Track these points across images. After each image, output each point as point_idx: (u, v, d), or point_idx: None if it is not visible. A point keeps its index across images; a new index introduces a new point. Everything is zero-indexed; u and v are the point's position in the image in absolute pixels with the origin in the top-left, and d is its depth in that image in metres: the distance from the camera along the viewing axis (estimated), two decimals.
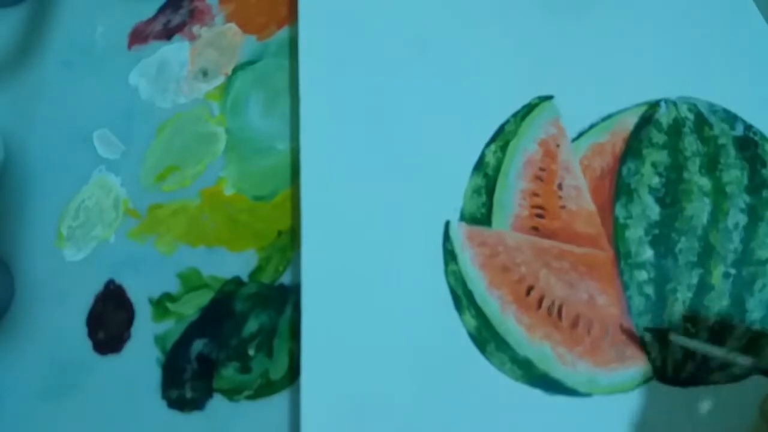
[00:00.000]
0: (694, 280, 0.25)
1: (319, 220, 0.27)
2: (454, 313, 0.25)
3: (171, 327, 0.27)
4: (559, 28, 0.31)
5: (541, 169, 0.28)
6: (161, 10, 0.36)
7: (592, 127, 0.28)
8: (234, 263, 0.28)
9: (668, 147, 0.27)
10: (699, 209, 0.26)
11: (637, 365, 0.23)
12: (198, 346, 0.27)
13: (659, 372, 0.23)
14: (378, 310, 0.25)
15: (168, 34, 0.35)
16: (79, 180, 0.32)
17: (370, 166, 0.28)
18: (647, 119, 0.28)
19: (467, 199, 0.27)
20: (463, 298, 0.25)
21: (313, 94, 0.30)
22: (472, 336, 0.24)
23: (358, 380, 0.24)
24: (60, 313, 0.28)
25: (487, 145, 0.28)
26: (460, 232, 0.26)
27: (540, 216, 0.27)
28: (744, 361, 0.20)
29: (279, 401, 0.25)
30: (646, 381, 0.23)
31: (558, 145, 0.28)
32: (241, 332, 0.26)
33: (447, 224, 0.26)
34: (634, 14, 0.31)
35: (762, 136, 0.27)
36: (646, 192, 0.26)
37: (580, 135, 0.28)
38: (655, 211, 0.26)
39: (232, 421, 0.25)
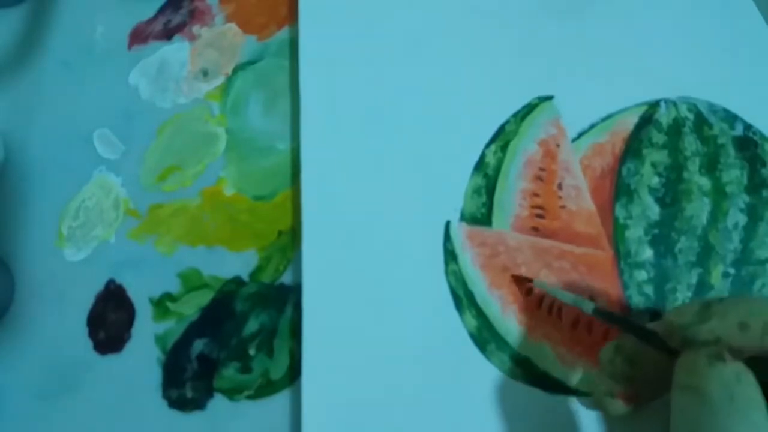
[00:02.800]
0: (694, 280, 0.25)
1: (320, 220, 0.27)
2: (455, 313, 0.25)
3: (171, 327, 0.27)
4: (559, 28, 0.31)
5: (541, 169, 0.28)
6: (161, 10, 0.36)
7: (592, 127, 0.28)
8: (234, 263, 0.28)
9: (668, 147, 0.27)
10: (699, 209, 0.26)
11: None
12: (198, 345, 0.27)
13: None
14: (378, 310, 0.25)
15: (168, 34, 0.35)
16: (79, 180, 0.32)
17: (371, 166, 0.28)
18: (647, 119, 0.28)
19: (467, 199, 0.27)
20: (463, 298, 0.25)
21: (313, 94, 0.30)
22: (472, 336, 0.24)
23: (358, 380, 0.24)
24: (60, 313, 0.28)
25: (488, 145, 0.28)
26: (460, 233, 0.26)
27: (540, 216, 0.27)
28: (588, 306, 0.22)
29: (279, 401, 0.25)
30: None
31: (558, 145, 0.28)
32: (242, 332, 0.27)
33: (447, 224, 0.27)
34: (634, 14, 0.31)
35: (762, 135, 0.27)
36: (645, 192, 0.26)
37: (580, 135, 0.28)
38: (654, 211, 0.26)
39: (232, 421, 0.25)
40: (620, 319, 0.21)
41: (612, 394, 0.20)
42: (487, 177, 0.27)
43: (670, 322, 0.18)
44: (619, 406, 0.20)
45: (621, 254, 0.25)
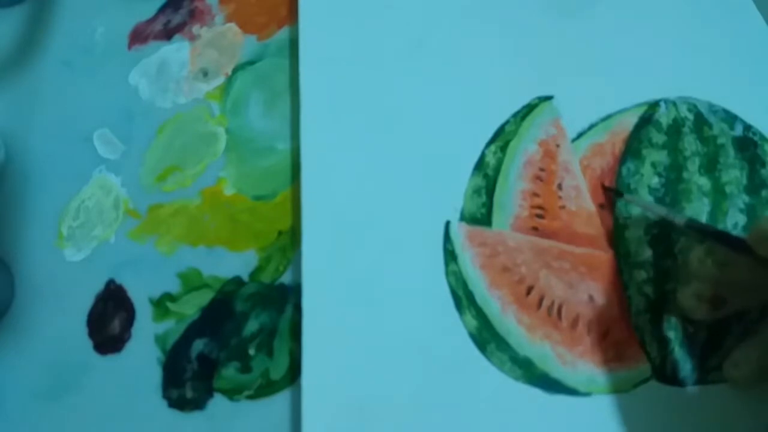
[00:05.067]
0: None
1: (319, 220, 0.27)
2: (455, 314, 0.25)
3: (171, 327, 0.27)
4: (559, 28, 0.31)
5: (541, 170, 0.28)
6: (161, 10, 0.36)
7: (591, 127, 0.28)
8: (234, 263, 0.28)
9: (668, 147, 0.27)
10: (698, 209, 0.26)
11: (637, 365, 0.23)
12: (198, 345, 0.27)
13: (658, 372, 0.23)
14: (378, 310, 0.25)
15: (168, 34, 0.35)
16: (79, 180, 0.32)
17: (370, 166, 0.28)
18: (647, 119, 0.28)
19: (467, 199, 0.27)
20: (463, 298, 0.25)
21: (314, 94, 0.30)
22: (472, 336, 0.24)
23: (358, 380, 0.24)
24: (60, 313, 0.28)
25: (487, 145, 0.28)
26: (460, 233, 0.26)
27: (540, 216, 0.27)
28: (680, 219, 0.22)
29: (279, 401, 0.25)
30: (645, 381, 0.23)
31: (558, 146, 0.28)
32: (242, 332, 0.27)
33: (447, 224, 0.27)
34: (634, 14, 0.31)
35: (761, 136, 0.27)
36: (645, 192, 0.26)
37: (580, 135, 0.28)
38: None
39: (232, 421, 0.25)
40: (713, 231, 0.22)
41: (699, 297, 0.21)
42: (486, 177, 0.27)
43: (763, 230, 0.19)
44: (704, 309, 0.21)
45: (621, 254, 0.25)
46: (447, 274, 0.26)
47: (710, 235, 0.21)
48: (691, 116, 0.28)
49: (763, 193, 0.26)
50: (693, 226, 0.22)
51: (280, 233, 0.28)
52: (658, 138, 0.28)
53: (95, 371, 0.27)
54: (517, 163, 0.28)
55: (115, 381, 0.27)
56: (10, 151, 0.33)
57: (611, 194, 0.26)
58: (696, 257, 0.21)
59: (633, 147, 0.27)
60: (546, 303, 0.25)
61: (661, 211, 0.23)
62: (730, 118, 0.28)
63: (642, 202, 0.24)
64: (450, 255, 0.26)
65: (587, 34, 0.31)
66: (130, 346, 0.27)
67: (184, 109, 0.33)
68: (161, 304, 0.28)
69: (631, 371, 0.23)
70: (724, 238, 0.21)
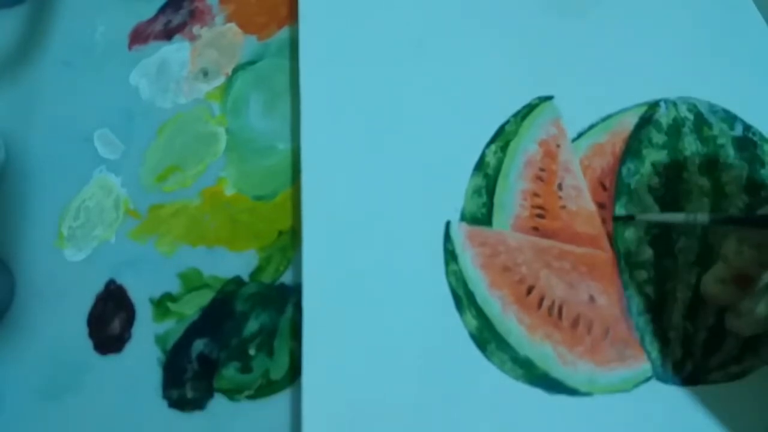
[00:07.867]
0: (694, 280, 0.25)
1: (320, 220, 0.27)
2: (455, 314, 0.25)
3: (172, 327, 0.27)
4: (559, 28, 0.31)
5: (542, 170, 0.28)
6: (161, 10, 0.36)
7: (591, 127, 0.28)
8: (234, 263, 0.28)
9: (668, 147, 0.27)
10: (698, 209, 0.26)
11: (637, 365, 0.23)
12: (199, 345, 0.27)
13: (659, 371, 0.23)
14: (379, 310, 0.25)
15: (168, 34, 0.35)
16: (80, 180, 0.32)
17: (371, 165, 0.28)
18: (647, 119, 0.28)
19: (468, 199, 0.27)
20: (463, 298, 0.25)
21: (314, 94, 0.30)
22: (472, 336, 0.24)
23: (358, 380, 0.24)
24: (60, 313, 0.28)
25: (488, 145, 0.28)
26: (460, 233, 0.26)
27: (540, 216, 0.27)
28: (703, 217, 0.22)
29: (280, 401, 0.25)
30: (646, 380, 0.23)
31: (558, 146, 0.28)
32: (242, 332, 0.27)
33: (447, 224, 0.27)
34: (634, 14, 0.31)
35: (761, 136, 0.27)
36: (645, 192, 0.26)
37: (580, 135, 0.28)
38: (654, 211, 0.26)
39: (232, 421, 0.25)
40: (739, 218, 0.22)
41: (723, 281, 0.21)
42: (487, 177, 0.27)
43: None
44: (731, 292, 0.21)
45: (621, 254, 0.25)
46: (447, 274, 0.26)
47: (737, 222, 0.21)
48: (691, 116, 0.28)
49: (763, 193, 0.26)
50: (718, 220, 0.22)
51: (280, 233, 0.28)
52: (659, 138, 0.28)
53: (95, 371, 0.27)
54: (518, 163, 0.28)
55: (115, 381, 0.26)
56: (10, 151, 0.33)
57: (625, 220, 0.26)
58: (731, 250, 0.21)
59: (633, 147, 0.28)
60: (546, 303, 0.25)
61: (679, 217, 0.23)
62: (730, 118, 0.28)
63: (657, 216, 0.24)
64: (450, 255, 0.26)
65: (587, 34, 0.31)
66: (130, 346, 0.27)
67: (184, 109, 0.33)
68: (161, 304, 0.28)
69: (632, 371, 0.23)
70: (752, 221, 0.21)
